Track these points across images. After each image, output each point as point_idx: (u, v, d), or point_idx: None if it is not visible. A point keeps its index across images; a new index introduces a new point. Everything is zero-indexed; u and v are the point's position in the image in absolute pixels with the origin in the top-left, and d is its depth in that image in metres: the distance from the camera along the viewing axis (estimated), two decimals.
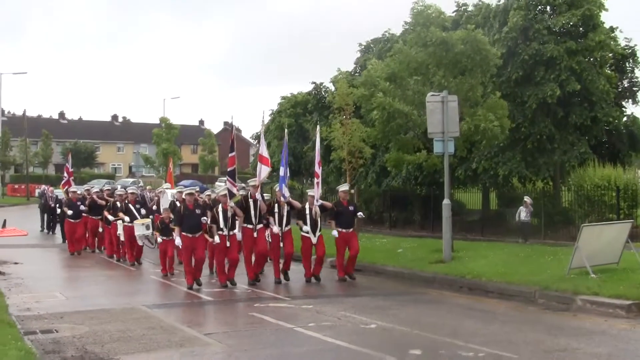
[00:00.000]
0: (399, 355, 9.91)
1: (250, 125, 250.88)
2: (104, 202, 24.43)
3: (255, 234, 17.70)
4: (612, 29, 28.82)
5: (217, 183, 26.73)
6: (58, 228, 31.05)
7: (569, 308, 14.12)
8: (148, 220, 21.79)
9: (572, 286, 14.79)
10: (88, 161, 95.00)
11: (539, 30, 27.20)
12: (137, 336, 11.22)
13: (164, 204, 22.50)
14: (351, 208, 18.96)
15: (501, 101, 23.41)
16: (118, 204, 22.63)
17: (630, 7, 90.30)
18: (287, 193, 18.47)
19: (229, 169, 18.19)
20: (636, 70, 30.57)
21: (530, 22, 27.40)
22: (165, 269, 19.42)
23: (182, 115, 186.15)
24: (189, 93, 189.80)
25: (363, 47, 40.58)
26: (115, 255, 23.01)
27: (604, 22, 28.23)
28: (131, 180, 72.48)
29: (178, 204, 20.83)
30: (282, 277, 18.26)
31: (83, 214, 24.85)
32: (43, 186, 37.26)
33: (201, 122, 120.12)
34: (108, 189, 27.91)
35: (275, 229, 17.90)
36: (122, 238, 22.18)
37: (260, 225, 17.92)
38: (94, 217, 24.70)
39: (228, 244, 17.10)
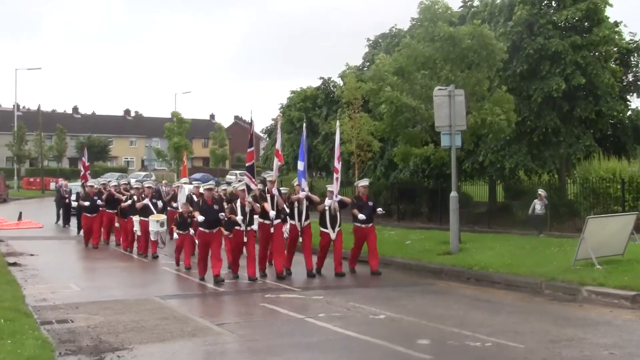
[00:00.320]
0: (407, 345, 9.91)
1: (261, 119, 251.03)
2: (121, 196, 24.24)
3: (272, 230, 17.34)
4: (616, 24, 28.67)
5: (227, 176, 26.78)
6: (73, 221, 31.09)
7: (575, 299, 14.09)
8: (163, 217, 21.70)
9: (578, 277, 14.76)
10: (101, 155, 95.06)
11: (544, 25, 27.14)
12: (150, 326, 11.26)
13: (182, 199, 22.43)
14: (370, 203, 18.60)
15: (507, 95, 23.37)
16: (135, 197, 22.42)
17: (635, 2, 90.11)
18: (306, 187, 18.15)
19: (247, 164, 17.94)
20: None
21: (535, 16, 27.34)
22: (178, 261, 19.40)
23: (193, 110, 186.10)
24: (199, 88, 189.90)
25: (371, 42, 40.57)
26: (129, 249, 22.85)
27: (608, 17, 28.16)
28: (143, 173, 72.77)
29: (195, 198, 20.84)
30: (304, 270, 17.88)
31: (100, 208, 24.77)
32: (60, 180, 37.26)
33: (212, 116, 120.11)
34: (124, 183, 27.75)
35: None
36: (138, 233, 21.89)
37: (278, 221, 17.55)
38: (110, 211, 24.48)
39: (245, 239, 16.85)
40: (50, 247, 24.93)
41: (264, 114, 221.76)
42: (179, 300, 14.46)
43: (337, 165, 19.02)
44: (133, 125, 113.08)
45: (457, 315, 12.42)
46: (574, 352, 9.55)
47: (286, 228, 18.23)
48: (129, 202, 22.75)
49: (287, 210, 17.91)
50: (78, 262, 21.91)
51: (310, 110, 40.92)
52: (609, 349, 9.69)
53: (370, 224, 18.48)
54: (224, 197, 18.50)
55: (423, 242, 22.69)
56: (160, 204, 22.52)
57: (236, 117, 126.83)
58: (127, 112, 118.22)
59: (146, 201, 21.79)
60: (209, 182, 20.52)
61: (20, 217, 33.38)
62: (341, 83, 36.07)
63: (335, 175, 18.83)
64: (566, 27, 27.73)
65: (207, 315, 12.92)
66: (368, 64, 37.15)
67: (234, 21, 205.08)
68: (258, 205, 16.94)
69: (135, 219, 21.84)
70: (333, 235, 18.12)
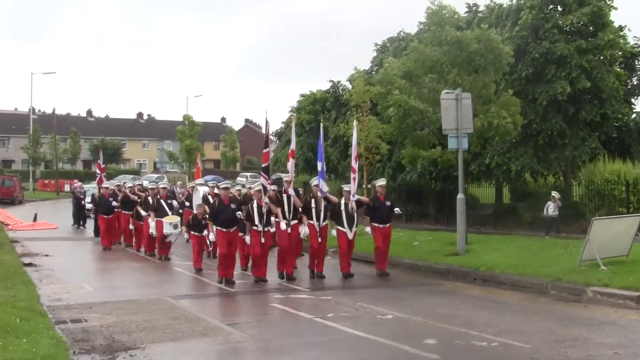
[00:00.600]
0: (414, 344, 9.89)
1: (271, 122, 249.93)
2: (136, 197, 24.08)
3: (289, 230, 17.09)
4: (621, 28, 28.63)
5: (238, 178, 26.71)
6: (89, 222, 31.11)
7: (580, 299, 14.05)
8: (177, 219, 21.37)
9: (583, 278, 14.73)
10: (114, 157, 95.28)
11: (549, 29, 27.14)
12: (162, 326, 11.27)
13: (197, 200, 22.25)
14: (388, 203, 18.37)
15: (513, 98, 23.36)
16: (150, 199, 22.19)
17: (639, 6, 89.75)
18: (325, 188, 17.73)
19: (263, 165, 17.56)
20: None
21: (541, 21, 27.34)
22: (200, 265, 18.79)
23: (204, 113, 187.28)
24: (210, 91, 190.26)
25: (379, 46, 40.60)
26: (147, 251, 22.50)
27: (613, 21, 28.16)
28: (156, 175, 72.77)
29: (211, 198, 20.71)
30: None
31: (115, 209, 24.72)
32: (75, 182, 37.22)
33: (223, 119, 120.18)
34: (139, 185, 27.62)
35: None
36: (154, 235, 21.55)
37: (295, 221, 17.33)
38: (126, 212, 24.37)
39: (263, 240, 16.48)
40: (64, 248, 24.97)
41: (274, 117, 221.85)
42: (191, 301, 14.48)
43: (355, 165, 18.59)
44: (145, 128, 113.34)
45: (463, 315, 12.40)
46: (579, 351, 9.52)
47: (303, 229, 17.66)
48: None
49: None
50: (92, 263, 21.94)
51: (319, 113, 40.93)
52: (614, 349, 9.66)
53: (388, 224, 18.37)
54: (238, 198, 18.22)
55: (430, 243, 22.66)
56: (175, 203, 22.50)
57: (247, 120, 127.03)
58: (140, 115, 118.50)
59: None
60: (225, 182, 20.31)
61: (35, 219, 33.47)
62: (350, 86, 36.09)
63: (352, 175, 18.36)
64: (571, 32, 27.73)
65: (217, 315, 12.95)
66: (376, 67, 37.15)
67: (244, 25, 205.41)
68: (275, 206, 16.76)
69: (152, 223, 21.47)
70: (350, 235, 17.79)
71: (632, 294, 13.38)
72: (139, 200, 23.53)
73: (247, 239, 16.80)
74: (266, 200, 16.53)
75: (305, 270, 18.06)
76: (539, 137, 27.45)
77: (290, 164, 18.32)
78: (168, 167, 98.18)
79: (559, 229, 24.09)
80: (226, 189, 17.42)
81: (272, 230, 16.94)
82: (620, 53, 28.61)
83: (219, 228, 16.80)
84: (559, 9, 28.58)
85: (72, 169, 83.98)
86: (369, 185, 29.49)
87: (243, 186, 21.94)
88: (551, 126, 27.11)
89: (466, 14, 30.77)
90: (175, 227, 21.04)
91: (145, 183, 29.82)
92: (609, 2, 27.70)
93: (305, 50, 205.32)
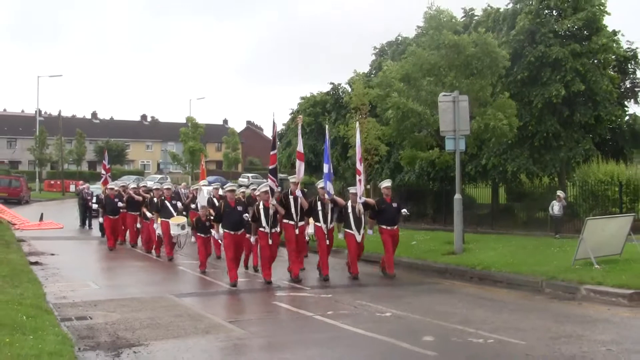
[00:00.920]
0: (412, 341, 9.90)
1: (272, 124, 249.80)
2: (141, 198, 23.87)
3: (296, 231, 16.87)
4: (614, 32, 28.70)
5: (240, 179, 26.60)
6: (95, 223, 31.02)
7: (574, 297, 14.08)
8: (184, 220, 21.10)
9: (577, 276, 14.76)
10: (119, 159, 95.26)
11: (545, 34, 27.17)
12: (165, 323, 11.28)
13: (201, 201, 22.06)
14: (395, 205, 17.84)
15: (510, 101, 23.40)
16: (155, 199, 21.91)
17: (632, 12, 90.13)
18: (331, 190, 17.33)
19: (270, 167, 17.21)
20: (637, 72, 30.63)
21: (537, 25, 27.37)
22: (203, 265, 18.53)
23: (207, 115, 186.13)
24: (213, 93, 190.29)
25: (378, 50, 40.63)
26: (154, 252, 22.26)
27: (607, 26, 28.25)
28: (159, 176, 72.76)
29: (215, 200, 20.48)
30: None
31: (121, 210, 24.47)
32: (81, 183, 37.04)
33: (225, 121, 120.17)
34: (144, 186, 27.39)
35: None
36: (161, 235, 21.36)
37: (302, 222, 17.02)
38: (131, 213, 24.15)
39: (270, 241, 16.19)
40: (70, 247, 24.96)
41: (275, 119, 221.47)
42: (193, 299, 14.47)
43: (360, 167, 18.14)
44: (149, 130, 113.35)
45: (460, 313, 12.41)
46: (573, 348, 9.53)
47: (308, 230, 17.56)
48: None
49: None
50: (97, 262, 21.89)
51: (319, 115, 40.89)
52: (607, 346, 9.67)
53: (395, 226, 17.92)
54: (243, 200, 17.88)
55: (428, 242, 22.68)
56: (179, 205, 22.34)
57: (248, 122, 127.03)
58: (144, 117, 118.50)
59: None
60: (230, 185, 20.13)
61: (41, 218, 33.48)
62: (350, 89, 36.06)
63: (358, 177, 17.98)
64: (566, 36, 27.75)
65: (220, 312, 12.96)
66: (375, 70, 37.17)
67: (245, 29, 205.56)
68: (282, 208, 16.57)
69: (157, 224, 21.29)
70: (358, 238, 17.36)
71: (625, 292, 13.41)
72: (144, 200, 23.33)
73: (252, 239, 16.72)
74: (273, 202, 16.31)
75: (313, 269, 18.00)
76: (534, 139, 27.49)
77: (298, 166, 17.74)
78: (171, 168, 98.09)
79: (560, 229, 23.76)
80: (232, 191, 17.11)
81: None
82: (613, 57, 28.64)
83: (226, 231, 16.54)
84: (555, 14, 28.60)
85: (78, 170, 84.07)
86: (368, 186, 29.48)
87: (247, 187, 21.76)
88: (546, 128, 27.16)
89: (463, 19, 30.80)
90: (183, 227, 20.77)
91: (150, 184, 29.66)
92: (602, 8, 27.73)
93: (306, 53, 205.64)
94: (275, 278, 16.56)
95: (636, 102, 30.50)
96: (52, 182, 74.34)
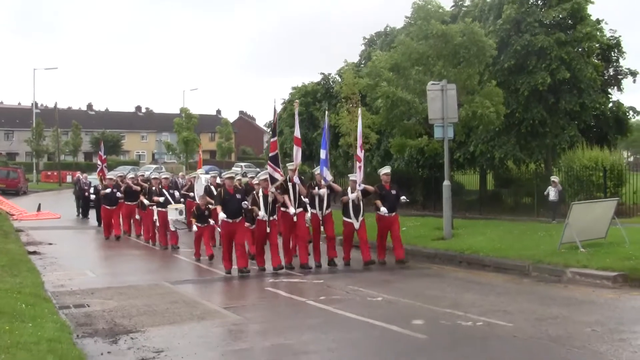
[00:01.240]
0: (403, 325, 9.94)
1: (264, 114, 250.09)
2: (139, 188, 23.42)
3: (294, 218, 16.61)
4: (598, 21, 28.75)
5: (233, 168, 26.48)
6: (92, 213, 30.91)
7: (560, 280, 14.16)
8: (181, 206, 21.06)
9: (563, 260, 14.84)
10: (114, 149, 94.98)
11: (530, 23, 27.18)
12: (161, 310, 11.30)
13: (199, 189, 21.79)
14: (394, 192, 17.46)
15: (497, 89, 23.42)
16: (153, 188, 21.70)
17: (615, 0, 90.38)
18: (328, 176, 17.06)
19: (271, 154, 16.60)
20: (621, 60, 30.69)
21: (523, 15, 27.37)
22: (198, 253, 18.48)
23: (200, 105, 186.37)
24: (206, 84, 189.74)
25: (367, 40, 40.57)
26: (151, 241, 22.12)
27: (590, 15, 28.27)
28: (154, 166, 72.60)
29: (213, 188, 20.35)
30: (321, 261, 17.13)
31: (119, 200, 24.07)
32: (78, 174, 36.87)
33: (218, 111, 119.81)
34: (142, 175, 26.89)
35: (292, 210, 16.38)
36: (157, 223, 21.33)
37: (300, 209, 16.67)
38: (129, 203, 23.71)
39: (268, 229, 15.94)
40: (67, 237, 24.94)
41: (265, 109, 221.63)
42: (188, 286, 14.50)
43: (360, 154, 17.51)
44: (144, 121, 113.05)
45: (450, 297, 12.46)
46: (559, 329, 9.60)
47: (307, 217, 17.13)
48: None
49: (307, 200, 16.90)
50: (94, 251, 21.86)
51: (310, 104, 40.86)
52: (592, 326, 9.73)
53: (394, 213, 17.48)
54: (240, 188, 17.49)
55: (418, 228, 22.72)
56: (177, 194, 22.14)
57: (241, 112, 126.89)
58: (139, 108, 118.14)
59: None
60: (229, 172, 19.85)
61: (39, 209, 33.37)
62: (340, 79, 36.05)
63: (357, 164, 17.54)
64: (551, 25, 27.76)
65: (215, 299, 13.01)
66: (364, 61, 37.14)
67: (238, 21, 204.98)
68: (281, 196, 16.25)
69: (155, 209, 21.21)
70: (357, 225, 17.14)
71: (609, 274, 13.50)
72: (142, 190, 22.89)
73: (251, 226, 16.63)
74: (272, 189, 16.06)
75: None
76: (521, 126, 27.54)
77: (295, 151, 17.36)
78: (166, 158, 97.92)
79: (556, 214, 23.20)
80: (231, 178, 16.45)
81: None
82: (597, 45, 28.69)
83: (224, 219, 15.94)
84: (540, 3, 28.63)
85: (74, 161, 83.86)
86: None
87: (245, 175, 21.56)
88: (532, 115, 27.21)
89: (452, 8, 30.76)
90: (181, 213, 20.68)
91: (147, 173, 29.48)
92: None
93: (297, 45, 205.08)
94: (268, 265, 16.45)
95: (619, 89, 30.62)
96: (49, 173, 74.04)
